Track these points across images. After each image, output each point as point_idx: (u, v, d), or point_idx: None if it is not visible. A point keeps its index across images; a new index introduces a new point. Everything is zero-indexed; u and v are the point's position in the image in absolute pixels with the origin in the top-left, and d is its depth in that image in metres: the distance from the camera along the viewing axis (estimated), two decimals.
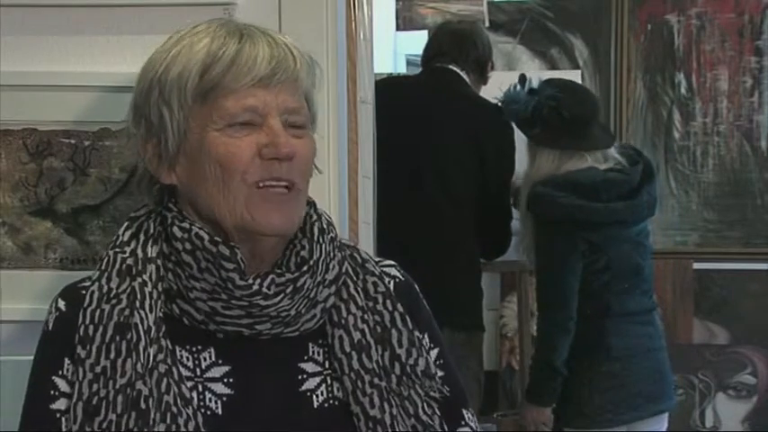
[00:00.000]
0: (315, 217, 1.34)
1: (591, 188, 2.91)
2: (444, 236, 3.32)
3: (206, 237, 1.26)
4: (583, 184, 2.91)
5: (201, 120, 1.25)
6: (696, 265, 4.13)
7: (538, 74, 4.17)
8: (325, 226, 1.34)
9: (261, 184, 1.25)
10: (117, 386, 1.22)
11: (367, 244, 2.00)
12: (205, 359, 1.29)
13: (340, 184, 1.75)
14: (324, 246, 1.32)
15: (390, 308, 1.35)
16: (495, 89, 3.62)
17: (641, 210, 2.98)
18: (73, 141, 1.64)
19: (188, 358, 1.28)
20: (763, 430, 4.18)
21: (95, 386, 1.22)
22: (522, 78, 3.10)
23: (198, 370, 1.28)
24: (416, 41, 3.89)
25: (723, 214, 4.19)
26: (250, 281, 1.25)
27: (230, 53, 1.25)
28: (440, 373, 1.39)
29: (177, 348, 1.28)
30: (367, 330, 1.33)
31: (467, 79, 3.46)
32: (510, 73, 4.21)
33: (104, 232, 1.65)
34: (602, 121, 3.10)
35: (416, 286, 1.45)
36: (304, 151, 1.28)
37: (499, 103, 3.08)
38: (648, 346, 3.02)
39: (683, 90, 4.19)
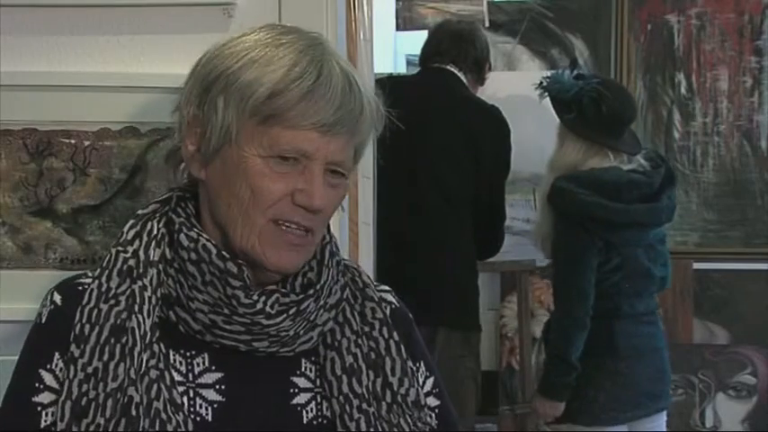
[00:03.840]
0: (327, 239, 1.33)
1: (613, 188, 2.92)
2: (441, 236, 3.33)
3: (214, 251, 1.25)
4: (605, 182, 2.92)
5: (251, 138, 1.23)
6: (696, 265, 4.14)
7: (539, 74, 4.20)
8: (335, 249, 1.33)
9: (280, 222, 1.24)
10: (108, 389, 1.21)
11: (367, 244, 2.00)
12: (198, 365, 1.28)
13: None
14: (331, 270, 1.31)
15: (386, 335, 1.34)
16: (493, 89, 3.63)
17: (660, 214, 3.00)
18: (73, 141, 1.64)
19: (181, 363, 1.28)
20: (763, 430, 4.18)
21: (85, 386, 1.21)
22: (574, 62, 3.15)
23: (190, 375, 1.27)
24: (416, 41, 3.89)
25: (723, 214, 4.19)
26: (255, 298, 1.24)
27: (304, 89, 1.21)
28: (436, 402, 1.39)
29: (171, 353, 1.27)
30: (360, 355, 1.31)
31: (464, 80, 3.46)
32: (510, 73, 4.22)
33: (104, 232, 1.65)
34: (633, 129, 3.12)
35: (410, 315, 1.43)
36: (333, 203, 1.27)
37: (544, 81, 3.08)
38: (653, 346, 3.05)
39: (683, 90, 4.19)
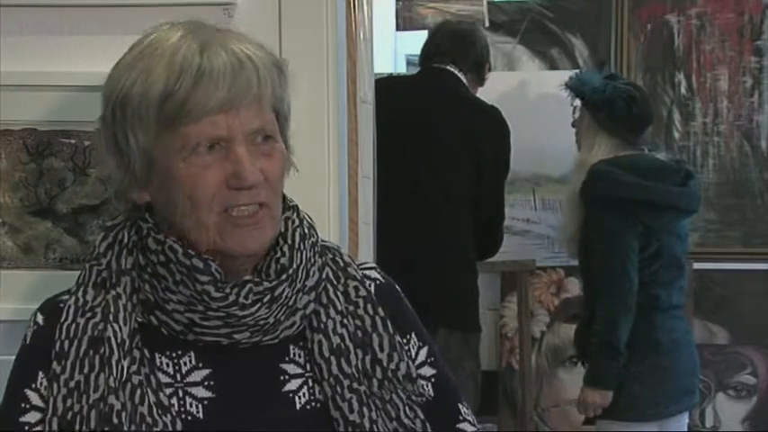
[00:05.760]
0: (296, 222, 1.32)
1: (651, 171, 3.02)
2: (440, 236, 3.33)
3: (180, 250, 1.25)
4: (642, 166, 3.03)
5: (166, 146, 1.24)
6: (696, 265, 4.13)
7: (538, 74, 4.20)
8: (306, 231, 1.33)
9: (229, 210, 1.24)
10: (90, 401, 1.22)
11: (367, 244, 2.00)
12: (185, 364, 1.28)
13: (340, 184, 1.75)
14: (304, 252, 1.31)
15: (371, 312, 1.34)
16: (493, 89, 3.63)
17: (692, 198, 3.08)
18: (73, 141, 1.64)
19: (168, 364, 1.28)
20: (763, 430, 4.17)
21: (69, 401, 1.23)
22: (602, 64, 3.31)
23: (178, 375, 1.28)
24: (416, 41, 3.89)
25: (723, 214, 4.19)
26: (227, 290, 1.25)
27: (188, 84, 1.21)
28: (431, 371, 1.39)
29: (156, 355, 1.28)
30: (346, 335, 1.31)
31: (464, 80, 3.46)
32: (510, 73, 4.22)
33: None
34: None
35: (398, 287, 1.43)
36: (272, 170, 1.26)
37: (573, 83, 3.18)
38: (687, 340, 3.10)
39: (683, 90, 4.19)
